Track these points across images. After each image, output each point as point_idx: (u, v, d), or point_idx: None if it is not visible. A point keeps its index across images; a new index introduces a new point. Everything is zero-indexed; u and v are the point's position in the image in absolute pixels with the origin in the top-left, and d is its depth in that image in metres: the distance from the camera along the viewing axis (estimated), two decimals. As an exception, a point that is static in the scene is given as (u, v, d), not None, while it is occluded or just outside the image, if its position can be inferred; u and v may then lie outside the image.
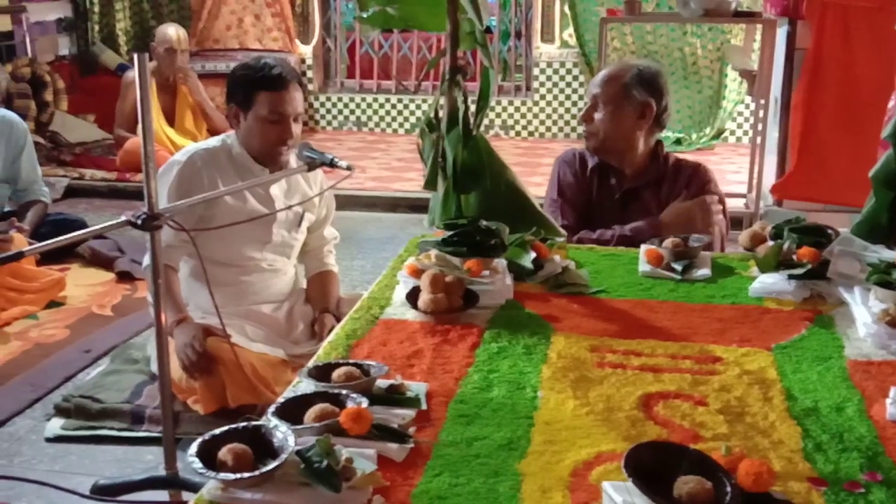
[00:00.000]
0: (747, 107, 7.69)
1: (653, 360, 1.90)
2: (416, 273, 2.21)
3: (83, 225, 4.84)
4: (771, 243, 2.41)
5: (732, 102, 7.85)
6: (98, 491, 2.57)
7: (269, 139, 3.06)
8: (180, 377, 2.95)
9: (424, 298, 2.09)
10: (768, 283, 2.28)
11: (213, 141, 3.21)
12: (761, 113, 5.54)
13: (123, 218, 2.27)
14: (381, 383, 1.69)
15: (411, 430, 1.57)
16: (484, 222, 2.39)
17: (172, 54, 6.16)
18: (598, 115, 3.02)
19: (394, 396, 1.67)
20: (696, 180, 3.05)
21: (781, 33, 5.30)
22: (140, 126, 2.28)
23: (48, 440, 3.03)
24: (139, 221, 2.26)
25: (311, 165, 2.73)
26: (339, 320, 2.61)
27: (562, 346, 1.95)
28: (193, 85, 6.32)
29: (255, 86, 3.04)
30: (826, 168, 4.83)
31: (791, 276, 2.25)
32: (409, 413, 1.62)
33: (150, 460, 2.87)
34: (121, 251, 4.74)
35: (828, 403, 1.71)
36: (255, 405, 2.81)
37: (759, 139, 5.52)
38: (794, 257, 2.30)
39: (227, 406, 2.92)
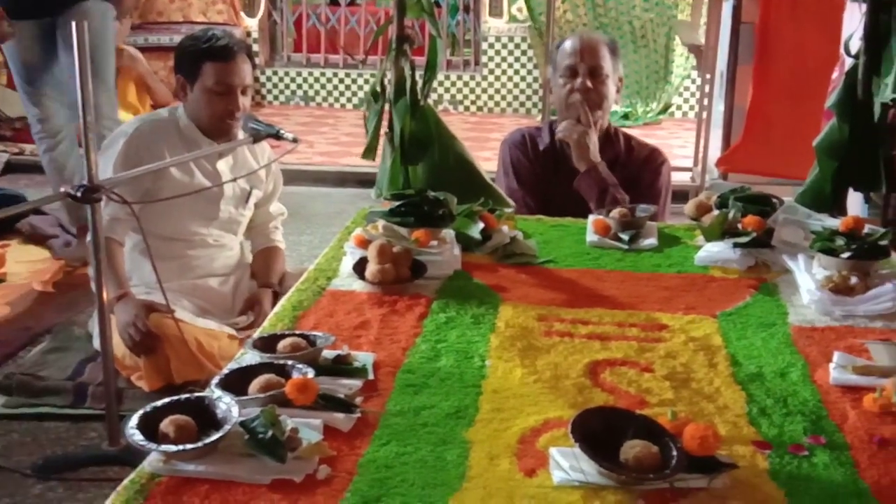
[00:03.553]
0: (693, 81, 7.74)
1: (600, 328, 1.90)
2: (364, 244, 2.19)
3: (23, 201, 4.72)
4: (716, 212, 2.43)
5: (679, 77, 7.90)
6: (41, 469, 2.54)
7: (216, 111, 3.01)
8: (123, 354, 2.90)
9: (372, 269, 2.07)
10: (714, 251, 2.30)
11: (161, 112, 3.17)
12: (707, 87, 5.58)
13: (63, 190, 2.23)
14: (328, 354, 1.68)
15: (358, 399, 1.56)
16: (432, 193, 2.37)
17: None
18: (588, 84, 2.87)
19: (340, 367, 1.65)
20: (649, 164, 3.00)
21: (727, 7, 5.33)
22: (79, 97, 2.23)
23: (-11, 418, 2.97)
24: (78, 194, 2.22)
25: (257, 137, 2.70)
26: (281, 296, 2.59)
27: (510, 316, 1.95)
28: (133, 63, 6.20)
29: (201, 56, 2.99)
30: (772, 141, 4.88)
31: (736, 245, 2.27)
32: (356, 383, 1.61)
33: (93, 437, 2.82)
34: (62, 227, 4.64)
35: (772, 369, 1.72)
36: (200, 381, 2.77)
37: (704, 113, 5.56)
38: (739, 226, 2.32)
39: (173, 382, 2.88)
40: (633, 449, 1.33)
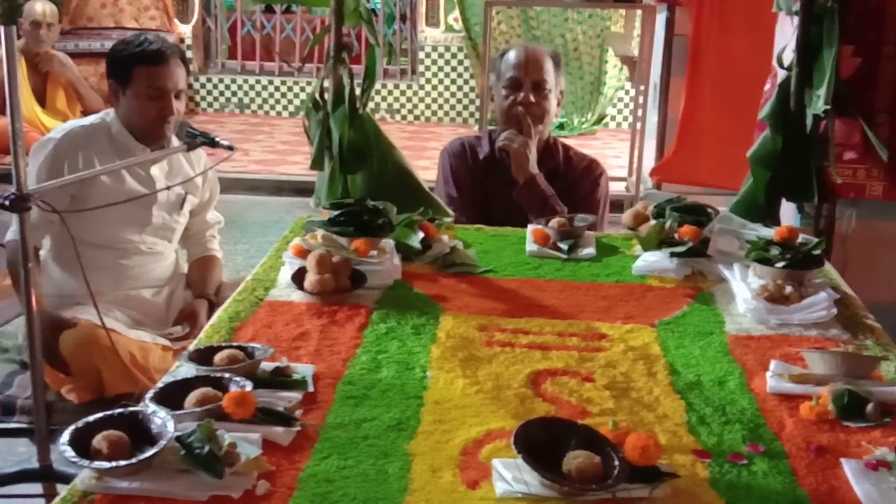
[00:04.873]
0: (627, 93, 7.85)
1: (540, 338, 1.90)
2: (302, 253, 2.16)
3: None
4: (653, 222, 2.45)
5: (613, 88, 8.00)
6: (-35, 486, 2.45)
7: (149, 116, 2.95)
8: (53, 366, 2.82)
9: (311, 279, 2.05)
10: (651, 261, 2.32)
11: (92, 118, 3.09)
12: (641, 98, 5.65)
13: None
14: (266, 366, 1.65)
15: (298, 412, 1.53)
16: (371, 202, 2.35)
17: (37, 28, 5.92)
18: (531, 98, 2.88)
19: (279, 379, 1.63)
20: (588, 175, 3.01)
21: (661, 19, 5.41)
22: (7, 102, 2.17)
23: (-90, 434, 2.86)
24: (7, 202, 2.16)
25: (192, 144, 2.65)
26: (217, 307, 2.55)
27: (450, 326, 1.94)
28: (63, 69, 6.07)
29: (133, 61, 2.93)
30: (704, 151, 4.95)
31: (673, 254, 2.30)
32: (296, 396, 1.58)
33: (22, 452, 2.75)
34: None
35: (710, 377, 1.74)
36: (133, 394, 2.71)
37: (638, 124, 5.63)
38: (676, 235, 2.34)
39: (104, 395, 2.81)
40: (575, 460, 1.33)
